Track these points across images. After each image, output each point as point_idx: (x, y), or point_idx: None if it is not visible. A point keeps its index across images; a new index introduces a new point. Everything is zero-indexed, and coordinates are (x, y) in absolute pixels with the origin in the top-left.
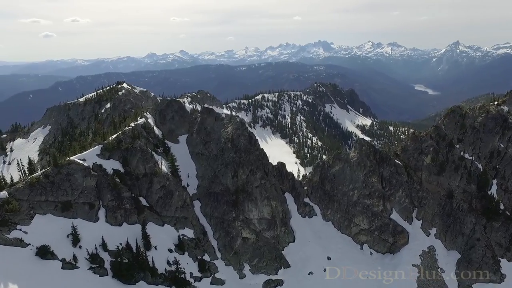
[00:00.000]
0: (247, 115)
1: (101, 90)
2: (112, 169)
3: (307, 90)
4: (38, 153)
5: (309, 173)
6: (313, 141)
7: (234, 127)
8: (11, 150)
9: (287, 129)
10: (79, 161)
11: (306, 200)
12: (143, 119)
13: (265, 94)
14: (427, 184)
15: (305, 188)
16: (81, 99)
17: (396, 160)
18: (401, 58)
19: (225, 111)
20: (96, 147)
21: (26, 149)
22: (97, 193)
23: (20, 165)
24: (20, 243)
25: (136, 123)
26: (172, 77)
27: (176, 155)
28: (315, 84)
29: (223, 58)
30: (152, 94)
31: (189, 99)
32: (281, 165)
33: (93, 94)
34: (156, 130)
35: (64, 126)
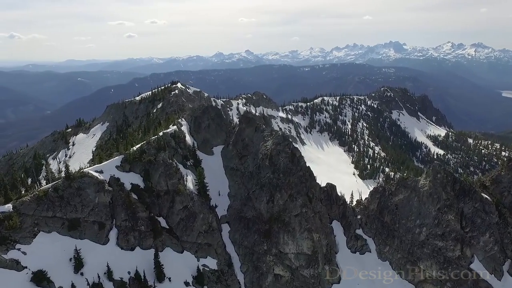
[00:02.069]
0: (304, 119)
1: (156, 90)
2: (131, 183)
3: (373, 94)
4: (94, 148)
5: (365, 198)
6: (375, 151)
7: (274, 141)
8: (73, 144)
9: (346, 136)
10: (94, 173)
11: (359, 231)
12: (175, 127)
13: (325, 98)
14: None
15: (359, 217)
16: (137, 98)
17: (483, 194)
18: (487, 61)
19: (281, 114)
20: (117, 157)
21: (86, 144)
22: (110, 211)
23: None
24: (15, 265)
25: (165, 131)
26: (236, 76)
27: (207, 169)
28: (382, 88)
29: (287, 58)
30: (206, 94)
31: (243, 100)
32: (331, 187)
33: (148, 93)
34: (188, 139)
35: (120, 124)
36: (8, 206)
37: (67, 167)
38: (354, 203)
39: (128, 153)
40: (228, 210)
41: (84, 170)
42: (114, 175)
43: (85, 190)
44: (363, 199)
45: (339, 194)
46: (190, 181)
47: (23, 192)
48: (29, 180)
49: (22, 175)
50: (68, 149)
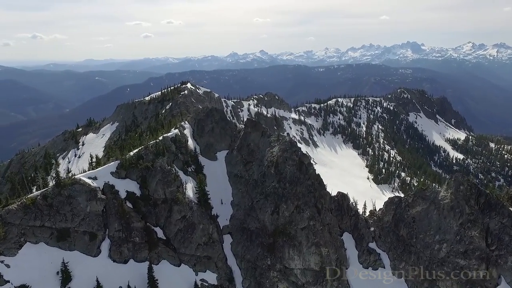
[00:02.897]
0: (317, 121)
1: (165, 90)
2: (126, 191)
3: (389, 96)
4: (103, 148)
5: (379, 209)
6: (391, 155)
7: (281, 148)
8: (83, 144)
9: (361, 139)
10: (87, 180)
11: (372, 245)
12: (177, 130)
13: (339, 99)
14: None
15: (372, 229)
16: (147, 98)
17: None
18: (510, 62)
19: (293, 115)
20: (112, 163)
21: (95, 144)
22: (103, 221)
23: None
24: None
25: (165, 135)
26: (250, 77)
27: (210, 176)
28: (398, 90)
29: (302, 58)
30: (216, 95)
31: (255, 101)
32: (342, 196)
33: (158, 93)
34: (190, 143)
35: (129, 124)
36: None
37: (57, 173)
38: (367, 213)
39: (124, 159)
40: (230, 220)
41: (76, 176)
42: (108, 182)
43: (76, 198)
44: (377, 209)
45: (352, 200)
46: (190, 189)
47: (34, 191)
48: (40, 179)
49: (33, 174)
50: (78, 149)
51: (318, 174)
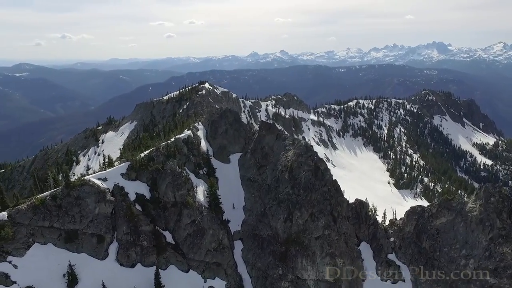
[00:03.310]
0: (336, 122)
1: (183, 89)
2: (136, 193)
3: (413, 97)
4: (122, 147)
5: (400, 219)
6: (414, 159)
7: (296, 152)
8: (102, 142)
9: (382, 142)
10: (96, 181)
11: (391, 256)
12: (190, 132)
13: (360, 100)
14: None
15: (392, 239)
16: (165, 97)
17: None
18: None
19: (312, 116)
20: (123, 164)
21: (114, 142)
22: (112, 223)
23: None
24: (4, 280)
25: (178, 136)
26: (270, 77)
27: (223, 179)
28: (423, 92)
29: (323, 58)
30: (234, 95)
31: (273, 101)
32: (360, 204)
33: (176, 92)
34: (203, 145)
35: (147, 123)
36: (3, 214)
37: (67, 174)
38: (387, 223)
39: (134, 160)
40: (242, 225)
41: (86, 178)
42: (118, 183)
43: (85, 200)
44: (398, 218)
45: (371, 206)
46: (201, 193)
47: (63, 184)
48: (60, 177)
49: (54, 170)
50: (98, 146)
51: (335, 180)
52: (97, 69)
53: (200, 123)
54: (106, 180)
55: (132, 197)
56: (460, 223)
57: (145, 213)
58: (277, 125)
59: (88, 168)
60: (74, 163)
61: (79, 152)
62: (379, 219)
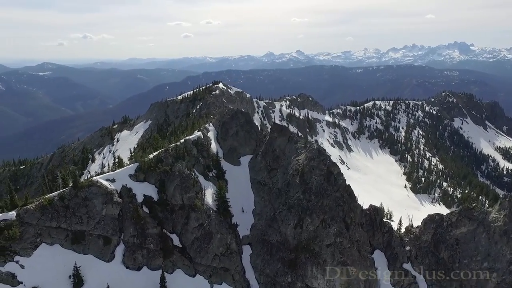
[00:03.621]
0: (352, 124)
1: (197, 89)
2: (144, 195)
3: (432, 99)
4: (136, 146)
5: (417, 226)
6: (432, 162)
7: (307, 155)
8: (117, 141)
9: (399, 144)
10: (104, 182)
11: (407, 266)
12: (200, 133)
13: (377, 102)
14: None
15: (407, 248)
16: (179, 97)
17: None
18: None
19: (327, 117)
20: (131, 165)
21: (129, 141)
22: (119, 225)
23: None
24: (11, 280)
25: (187, 137)
26: (285, 77)
27: (232, 182)
28: (443, 93)
29: (339, 59)
30: (248, 95)
31: (287, 102)
32: (374, 210)
33: (190, 92)
34: (213, 147)
35: (161, 123)
36: (12, 214)
37: (74, 175)
38: (403, 230)
39: (143, 161)
40: (251, 230)
41: (93, 178)
42: (126, 184)
43: (92, 201)
44: (414, 226)
45: (386, 211)
46: (209, 195)
47: (70, 184)
48: (78, 172)
49: (71, 168)
50: (113, 145)
51: (348, 185)
52: (116, 69)
53: (211, 124)
54: (114, 181)
55: (139, 199)
56: (482, 233)
57: (152, 216)
58: (291, 126)
59: (103, 166)
60: (90, 161)
61: (94, 150)
62: (395, 226)
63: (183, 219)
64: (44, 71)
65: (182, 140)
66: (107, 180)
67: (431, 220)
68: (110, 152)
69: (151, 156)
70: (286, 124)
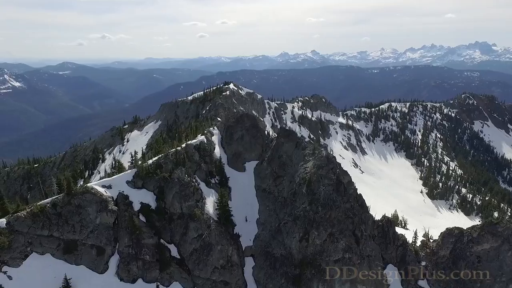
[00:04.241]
0: (366, 126)
1: (208, 90)
2: (141, 203)
3: (451, 101)
4: (145, 147)
5: (434, 241)
6: (450, 167)
7: (315, 163)
8: (127, 141)
9: (415, 148)
10: (99, 189)
11: (422, 283)
12: (203, 137)
13: (392, 103)
14: None
15: (423, 264)
16: (189, 97)
17: None
18: None
19: (340, 119)
20: (129, 171)
21: (139, 141)
22: (113, 235)
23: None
24: None
25: (189, 142)
26: (300, 77)
27: (236, 189)
28: (463, 95)
29: (355, 59)
30: (259, 96)
31: (300, 103)
32: (388, 222)
33: (200, 93)
34: (217, 152)
35: (170, 124)
36: (1, 221)
37: (69, 181)
38: (418, 243)
39: (141, 167)
40: (254, 241)
41: (89, 185)
42: (123, 191)
43: (86, 209)
44: (431, 238)
45: (400, 219)
46: (210, 204)
47: (80, 184)
48: (86, 173)
49: (82, 167)
50: (123, 145)
51: (360, 195)
52: (133, 68)
53: (215, 127)
54: (111, 188)
55: (136, 206)
56: (507, 251)
57: (149, 225)
58: (303, 128)
59: (112, 167)
60: (100, 161)
61: (105, 150)
62: (409, 237)
63: (182, 229)
64: (64, 70)
65: (183, 145)
66: (103, 186)
67: (450, 234)
68: (120, 152)
69: (150, 161)
70: (298, 126)
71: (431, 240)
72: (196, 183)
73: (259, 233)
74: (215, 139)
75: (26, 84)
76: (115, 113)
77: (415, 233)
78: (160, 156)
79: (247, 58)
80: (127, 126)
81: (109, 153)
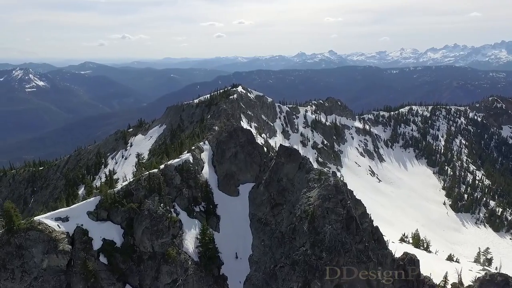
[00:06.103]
0: (384, 131)
1: (215, 93)
2: (103, 239)
3: (477, 104)
4: (148, 152)
5: (468, 286)
6: (477, 176)
7: (321, 193)
8: (131, 145)
9: (437, 155)
10: (51, 223)
11: None
12: (189, 155)
13: (413, 107)
14: None
15: None
16: (195, 101)
17: None
18: None
19: (357, 123)
20: (92, 199)
21: (142, 145)
22: (66, 280)
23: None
24: None
25: (169, 162)
26: (316, 77)
27: (226, 217)
28: (490, 98)
29: (373, 59)
30: (270, 99)
31: (313, 107)
32: (410, 260)
33: (207, 96)
34: (206, 172)
35: (175, 128)
36: None
37: (8, 212)
38: (449, 287)
39: (106, 195)
40: (245, 283)
41: (36, 218)
42: (82, 225)
43: (29, 250)
44: (464, 285)
45: (422, 238)
46: (191, 239)
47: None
48: (89, 178)
49: (84, 172)
50: (126, 150)
51: (377, 228)
52: (151, 68)
53: (207, 141)
54: (68, 220)
55: (97, 244)
56: None
57: (112, 268)
58: (316, 133)
59: (114, 173)
60: (103, 166)
61: (108, 154)
62: (437, 278)
63: (154, 272)
64: (85, 70)
65: (162, 166)
66: (58, 219)
67: (490, 281)
68: (122, 157)
69: (118, 187)
70: (310, 131)
71: (465, 286)
72: (175, 214)
73: (251, 275)
74: (205, 156)
75: (50, 83)
76: (133, 112)
77: (445, 277)
78: (130, 180)
79: (264, 58)
80: (131, 129)
81: (112, 158)
